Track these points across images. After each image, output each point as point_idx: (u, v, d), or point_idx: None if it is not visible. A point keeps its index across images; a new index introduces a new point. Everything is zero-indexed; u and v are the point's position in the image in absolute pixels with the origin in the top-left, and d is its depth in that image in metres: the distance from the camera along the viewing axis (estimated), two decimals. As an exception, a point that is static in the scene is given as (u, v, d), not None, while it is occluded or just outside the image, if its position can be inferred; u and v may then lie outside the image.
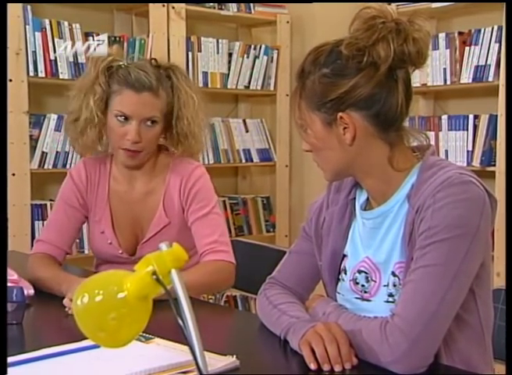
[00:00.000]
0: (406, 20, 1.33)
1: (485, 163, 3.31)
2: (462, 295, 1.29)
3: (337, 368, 1.26)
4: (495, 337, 1.45)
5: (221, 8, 3.91)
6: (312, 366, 1.27)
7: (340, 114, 1.34)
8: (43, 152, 3.34)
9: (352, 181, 1.49)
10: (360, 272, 1.44)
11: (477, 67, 3.32)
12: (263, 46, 4.07)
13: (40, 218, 3.35)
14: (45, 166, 3.34)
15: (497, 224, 2.46)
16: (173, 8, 3.66)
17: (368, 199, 1.47)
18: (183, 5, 3.70)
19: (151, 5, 3.60)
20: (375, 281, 1.42)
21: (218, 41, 3.91)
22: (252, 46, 4.05)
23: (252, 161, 4.14)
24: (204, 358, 0.95)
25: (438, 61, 3.45)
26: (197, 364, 0.94)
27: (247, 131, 4.14)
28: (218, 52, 3.90)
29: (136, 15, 3.77)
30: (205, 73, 3.86)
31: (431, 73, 3.47)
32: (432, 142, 2.27)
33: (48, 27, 3.30)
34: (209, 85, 3.86)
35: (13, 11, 3.12)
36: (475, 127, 3.36)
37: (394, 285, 1.38)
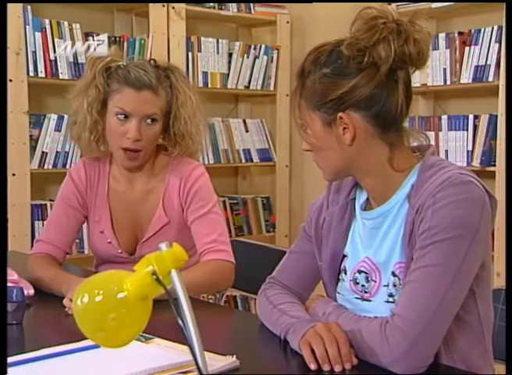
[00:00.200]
0: (407, 21, 1.33)
1: (485, 163, 3.31)
2: (462, 295, 1.29)
3: (337, 368, 1.26)
4: (495, 337, 1.45)
5: (221, 8, 3.91)
6: (312, 366, 1.27)
7: (340, 114, 1.34)
8: (43, 152, 3.34)
9: (352, 181, 1.49)
10: (360, 272, 1.44)
11: (477, 67, 3.32)
12: (263, 46, 4.07)
13: (40, 218, 3.35)
14: (45, 166, 3.34)
15: (497, 224, 2.47)
16: (173, 8, 3.67)
17: (368, 199, 1.47)
18: (183, 5, 3.70)
19: (151, 5, 3.61)
20: (375, 281, 1.42)
21: (218, 41, 3.91)
22: (252, 46, 4.05)
23: (252, 161, 4.14)
24: (204, 358, 0.95)
25: (438, 61, 3.45)
26: (197, 364, 0.94)
27: (247, 131, 4.14)
28: (218, 52, 3.90)
29: (136, 15, 3.77)
30: (205, 73, 3.86)
31: (431, 73, 3.47)
32: (432, 142, 2.26)
33: (47, 27, 3.30)
34: (209, 85, 3.86)
35: (13, 11, 3.12)
36: (475, 127, 3.36)
37: (394, 285, 1.38)
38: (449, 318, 1.28)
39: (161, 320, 1.18)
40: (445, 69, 3.44)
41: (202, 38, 3.85)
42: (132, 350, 1.11)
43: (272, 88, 4.12)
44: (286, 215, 4.22)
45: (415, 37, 1.32)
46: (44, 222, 3.30)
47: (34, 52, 3.26)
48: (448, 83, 3.44)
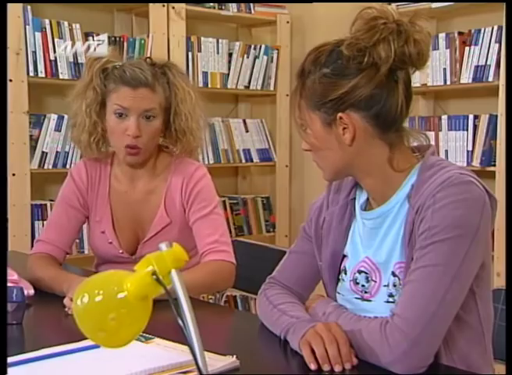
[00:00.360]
0: (407, 21, 1.33)
1: (485, 163, 3.31)
2: (462, 295, 1.29)
3: (337, 368, 1.26)
4: (495, 337, 1.45)
5: (221, 8, 3.91)
6: (312, 366, 1.27)
7: (340, 114, 1.34)
8: (43, 152, 3.34)
9: (352, 181, 1.49)
10: (360, 272, 1.44)
11: (477, 67, 3.32)
12: (263, 46, 4.07)
13: (40, 218, 3.35)
14: (45, 166, 3.35)
15: (497, 224, 2.46)
16: (173, 8, 3.67)
17: (368, 199, 1.47)
18: (183, 5, 3.70)
19: (151, 5, 3.61)
20: (375, 281, 1.42)
21: (218, 41, 3.91)
22: (252, 46, 4.05)
23: (252, 161, 4.14)
24: (204, 358, 0.95)
25: (438, 61, 3.45)
26: (197, 364, 0.94)
27: (247, 131, 4.14)
28: (218, 52, 3.91)
29: (136, 15, 3.77)
30: (205, 73, 3.86)
31: (431, 73, 3.47)
32: (432, 142, 2.26)
33: (47, 27, 3.30)
34: (209, 85, 3.86)
35: (13, 11, 3.12)
36: (475, 127, 3.35)
37: (394, 285, 1.38)
38: (449, 318, 1.28)
39: (161, 320, 1.18)
40: (445, 69, 3.44)
41: (202, 38, 3.86)
42: (132, 350, 1.11)
43: (272, 88, 4.12)
44: (286, 215, 4.22)
45: (415, 37, 1.32)
46: (44, 222, 3.30)
47: (34, 52, 3.26)
48: (448, 83, 3.44)
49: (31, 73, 3.24)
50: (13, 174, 3.17)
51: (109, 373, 1.25)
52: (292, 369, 1.36)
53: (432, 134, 3.44)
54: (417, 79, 3.38)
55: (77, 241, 3.26)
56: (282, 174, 4.19)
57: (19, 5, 3.18)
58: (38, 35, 3.27)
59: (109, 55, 2.03)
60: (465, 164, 3.35)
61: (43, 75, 3.28)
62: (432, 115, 3.63)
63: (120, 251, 2.05)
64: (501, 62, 3.18)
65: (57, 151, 3.36)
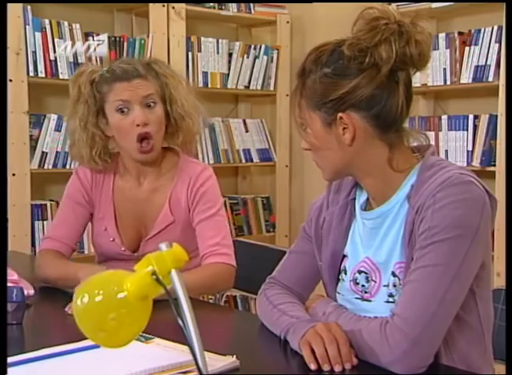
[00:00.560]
0: (408, 22, 1.33)
1: (485, 163, 3.31)
2: (462, 295, 1.29)
3: (337, 368, 1.26)
4: (495, 337, 1.45)
5: (221, 8, 3.91)
6: (312, 366, 1.27)
7: (340, 114, 1.34)
8: (43, 152, 3.34)
9: (352, 181, 1.49)
10: (360, 272, 1.44)
11: (477, 67, 3.32)
12: (263, 46, 4.07)
13: (40, 218, 3.35)
14: (45, 166, 3.35)
15: (497, 224, 2.47)
16: (173, 8, 3.67)
17: (368, 199, 1.47)
18: (183, 5, 3.70)
19: (151, 5, 3.61)
20: (375, 281, 1.42)
21: (218, 41, 3.91)
22: (252, 46, 4.05)
23: (252, 161, 4.14)
24: (204, 358, 0.95)
25: (438, 61, 3.45)
26: (197, 364, 0.94)
27: (246, 131, 4.14)
28: (218, 52, 3.90)
29: (136, 15, 3.77)
30: (205, 73, 3.86)
31: (431, 73, 3.47)
32: (432, 142, 2.26)
33: (47, 27, 3.30)
34: (209, 85, 3.86)
35: (13, 11, 3.12)
36: (475, 127, 3.35)
37: (394, 285, 1.38)
38: (449, 318, 1.28)
39: (161, 320, 1.17)
40: (445, 69, 3.44)
41: (202, 38, 3.86)
42: (132, 350, 1.11)
43: (272, 88, 4.12)
44: (286, 215, 4.22)
45: (417, 38, 1.32)
46: (45, 222, 3.32)
47: (34, 52, 3.26)
48: (448, 83, 3.44)
49: (31, 73, 3.24)
50: (13, 174, 3.17)
51: (109, 373, 1.25)
52: (292, 369, 1.36)
53: (432, 134, 3.44)
54: (417, 79, 3.38)
55: (77, 241, 3.26)
56: (282, 174, 4.19)
57: (19, 5, 3.18)
58: (38, 35, 3.27)
59: (90, 66, 2.09)
60: (465, 164, 3.35)
61: (43, 75, 3.28)
62: (432, 115, 3.63)
63: (122, 249, 2.06)
64: (501, 62, 3.18)
65: (57, 151, 3.36)
